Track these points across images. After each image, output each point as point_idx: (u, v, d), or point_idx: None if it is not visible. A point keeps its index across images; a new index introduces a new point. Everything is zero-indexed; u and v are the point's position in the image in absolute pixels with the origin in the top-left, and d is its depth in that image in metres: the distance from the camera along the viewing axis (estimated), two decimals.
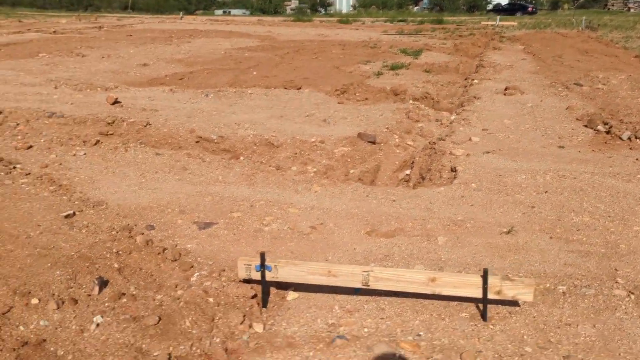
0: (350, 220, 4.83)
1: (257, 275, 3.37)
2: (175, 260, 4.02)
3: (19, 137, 6.92)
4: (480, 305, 3.29)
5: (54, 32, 25.27)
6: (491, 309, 3.38)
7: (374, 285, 3.31)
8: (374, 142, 7.31)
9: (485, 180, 5.75)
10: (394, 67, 14.01)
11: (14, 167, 5.75)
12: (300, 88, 10.98)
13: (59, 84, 10.90)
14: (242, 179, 5.67)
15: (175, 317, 3.07)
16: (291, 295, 3.60)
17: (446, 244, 4.40)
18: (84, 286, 3.49)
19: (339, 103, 9.68)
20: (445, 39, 23.92)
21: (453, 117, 8.83)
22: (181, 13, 44.45)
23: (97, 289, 3.44)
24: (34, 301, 3.28)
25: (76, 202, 4.95)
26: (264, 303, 3.40)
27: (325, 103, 9.55)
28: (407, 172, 7.26)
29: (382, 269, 3.29)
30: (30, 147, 6.49)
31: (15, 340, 2.95)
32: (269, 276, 3.37)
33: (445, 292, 3.26)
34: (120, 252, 4.04)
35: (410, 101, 9.90)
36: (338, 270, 3.29)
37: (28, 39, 21.18)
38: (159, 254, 4.06)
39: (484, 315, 3.27)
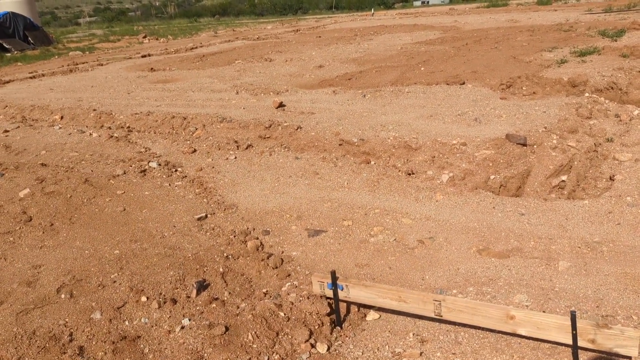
0: (464, 235, 4.50)
1: (330, 293, 3.36)
2: (276, 268, 4.22)
3: (189, 142, 7.87)
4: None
5: (257, 38, 27.91)
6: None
7: (446, 315, 3.06)
8: (524, 144, 6.64)
9: None
10: (582, 54, 12.44)
11: (176, 170, 6.58)
12: (463, 83, 10.44)
13: (240, 90, 12.06)
14: (366, 185, 5.66)
15: (241, 329, 3.25)
16: (371, 315, 3.52)
17: (567, 271, 3.84)
18: (187, 288, 3.87)
19: (501, 99, 8.98)
20: None
21: (636, 112, 7.53)
22: (372, 9, 45.32)
23: (195, 291, 3.80)
24: (143, 299, 3.76)
25: (212, 205, 5.48)
26: (338, 322, 3.39)
27: (485, 99, 8.94)
28: (563, 178, 6.45)
29: (455, 299, 3.02)
30: (194, 151, 7.35)
31: (118, 334, 3.43)
32: (341, 295, 3.35)
33: (526, 332, 2.87)
34: (230, 256, 4.38)
35: (587, 94, 8.70)
36: (408, 296, 3.12)
37: (233, 47, 23.77)
38: (262, 260, 4.30)
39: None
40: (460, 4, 53.62)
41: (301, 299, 3.48)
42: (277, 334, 3.19)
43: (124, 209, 5.44)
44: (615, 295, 3.50)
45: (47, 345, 3.37)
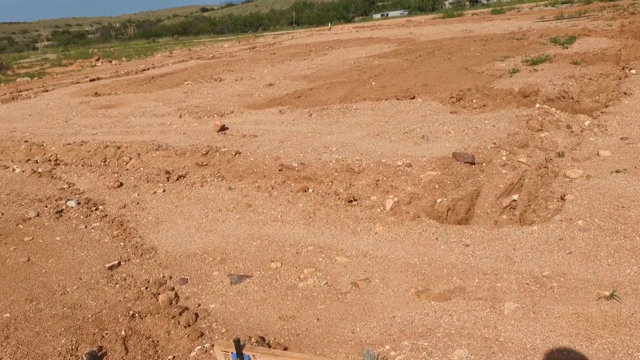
0: (403, 273, 4.02)
1: None
2: (188, 326, 3.65)
3: (117, 174, 7.23)
4: None
5: (212, 57, 27.32)
6: None
7: None
8: (472, 163, 6.25)
9: (599, 215, 4.44)
10: (534, 62, 12.31)
11: (96, 209, 5.94)
12: (414, 97, 10.11)
13: (184, 113, 11.46)
14: (301, 217, 5.14)
15: None
16: None
17: (514, 314, 3.38)
18: (82, 357, 3.26)
19: (451, 113, 8.64)
20: (612, 19, 20.68)
21: (587, 123, 7.26)
22: (329, 24, 45.35)
23: None
24: None
25: (129, 249, 4.88)
26: None
27: (434, 114, 8.58)
28: (514, 197, 6.07)
29: None
30: (121, 185, 6.73)
31: None
32: None
33: None
34: (137, 314, 3.79)
35: (538, 105, 8.44)
36: None
37: (185, 68, 23.12)
38: (173, 317, 3.73)
39: None
40: (418, 16, 54.24)
41: None
42: None
43: (29, 259, 4.79)
44: (566, 344, 3.05)
45: None
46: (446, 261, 4.12)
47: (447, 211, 5.88)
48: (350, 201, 5.66)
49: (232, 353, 2.76)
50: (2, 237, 5.29)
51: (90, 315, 3.78)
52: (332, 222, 4.99)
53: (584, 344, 3.05)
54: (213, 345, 3.07)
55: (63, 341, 3.50)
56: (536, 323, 3.28)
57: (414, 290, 3.80)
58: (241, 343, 2.76)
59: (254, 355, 2.74)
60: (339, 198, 5.62)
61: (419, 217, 4.92)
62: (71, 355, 3.35)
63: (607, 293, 3.47)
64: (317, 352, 3.29)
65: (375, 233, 4.69)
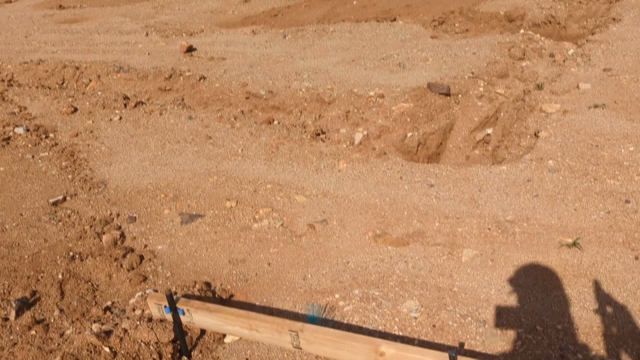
0: (362, 215, 3.81)
1: (170, 318, 2.63)
2: (132, 270, 3.45)
3: (72, 98, 6.78)
4: None
5: None
6: None
7: (306, 348, 2.39)
8: (447, 94, 5.92)
9: (571, 154, 4.23)
10: None
11: (46, 137, 5.59)
12: (394, 19, 9.54)
13: (151, 31, 10.76)
14: (263, 152, 4.85)
15: None
16: (231, 337, 2.82)
17: (472, 262, 3.22)
18: (7, 307, 3.06)
19: (431, 37, 8.17)
20: None
21: (571, 52, 6.89)
22: None
23: (13, 312, 3.00)
24: None
25: (77, 183, 4.60)
26: (185, 351, 2.68)
27: (414, 39, 8.11)
28: (489, 131, 5.82)
29: (315, 330, 2.35)
30: (75, 111, 6.31)
31: None
32: (184, 320, 2.62)
33: None
34: (77, 255, 3.57)
35: (522, 31, 7.99)
36: (260, 325, 2.42)
37: None
38: (116, 259, 3.52)
39: None
40: None
41: (138, 323, 2.73)
42: None
43: None
44: (521, 295, 2.92)
45: None
46: (408, 202, 3.91)
47: (418, 146, 5.63)
48: (318, 134, 5.36)
49: (165, 306, 2.56)
50: None
51: (27, 257, 3.55)
52: (294, 157, 4.72)
53: (540, 296, 2.92)
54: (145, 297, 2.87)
55: None
56: (493, 272, 3.13)
57: (372, 233, 3.61)
58: (174, 297, 2.56)
59: (188, 310, 2.55)
60: (306, 131, 5.31)
61: (385, 154, 4.66)
62: (2, 300, 3.14)
63: (570, 241, 3.31)
64: (264, 299, 3.13)
65: (339, 171, 4.44)
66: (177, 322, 2.61)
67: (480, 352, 2.56)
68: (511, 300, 2.88)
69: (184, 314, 2.61)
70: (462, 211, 3.75)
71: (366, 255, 3.40)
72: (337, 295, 3.05)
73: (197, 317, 2.59)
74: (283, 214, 3.93)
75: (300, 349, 2.42)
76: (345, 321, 2.85)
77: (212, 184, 4.41)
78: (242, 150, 4.95)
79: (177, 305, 2.59)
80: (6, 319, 3.00)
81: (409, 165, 4.43)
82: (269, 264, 3.43)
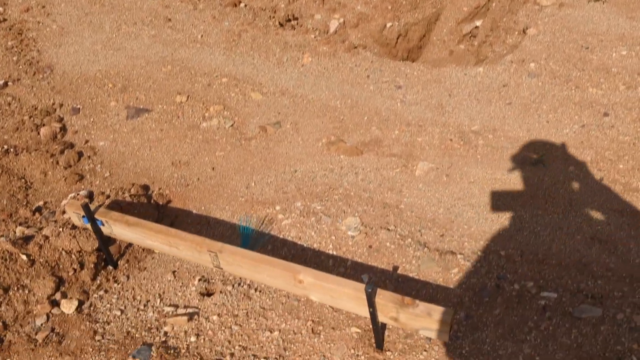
0: (319, 119, 3.55)
1: (91, 228, 2.48)
2: (69, 167, 3.27)
3: None
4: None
5: None
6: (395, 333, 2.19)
7: (226, 269, 2.27)
8: None
9: (556, 57, 3.86)
10: None
11: None
12: None
13: None
14: (224, 39, 4.45)
15: None
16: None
17: (425, 176, 3.03)
18: None
19: None
20: None
21: None
22: None
23: None
24: None
25: (22, 66, 4.25)
26: (110, 261, 2.57)
27: None
28: (477, 23, 5.34)
29: (234, 251, 2.21)
30: None
31: None
32: (105, 231, 2.47)
33: (318, 300, 2.13)
34: (12, 149, 3.36)
35: None
36: (179, 242, 2.27)
37: None
38: (53, 155, 3.32)
39: (377, 341, 2.12)
40: None
41: (61, 230, 2.59)
42: (6, 291, 2.36)
43: None
44: (469, 216, 2.76)
45: None
46: (370, 106, 3.63)
47: (398, 37, 5.19)
48: (289, 20, 4.90)
49: (83, 216, 2.40)
50: None
51: None
52: (257, 47, 4.32)
53: (489, 218, 2.76)
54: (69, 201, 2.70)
55: None
56: (445, 189, 2.95)
57: (326, 140, 3.37)
58: (92, 208, 2.39)
59: (106, 221, 2.38)
60: (275, 16, 4.84)
61: (355, 47, 4.27)
62: None
63: (536, 156, 3.09)
64: (202, 207, 2.97)
65: (302, 65, 4.08)
66: (97, 232, 2.46)
67: (413, 277, 2.45)
68: (458, 222, 2.73)
69: (103, 225, 2.44)
70: (426, 118, 3.48)
71: (316, 164, 3.19)
72: (277, 207, 2.89)
73: (116, 229, 2.44)
74: (235, 112, 3.65)
75: (221, 269, 2.29)
76: (281, 236, 2.72)
77: (165, 75, 4.07)
78: (201, 36, 4.53)
79: (96, 216, 2.42)
80: None
81: (379, 63, 4.07)
82: (213, 168, 3.23)
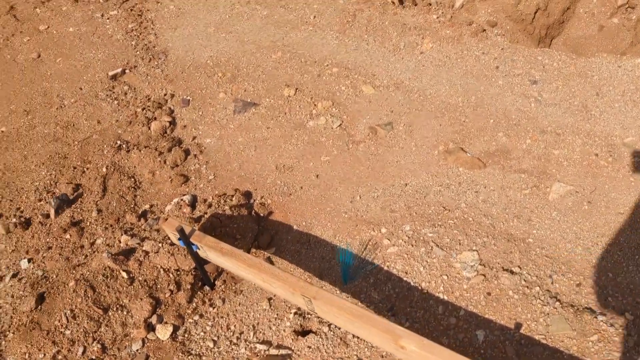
0: (436, 120, 3.17)
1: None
2: (175, 167, 3.24)
3: None
4: None
5: None
6: None
7: (321, 315, 2.07)
8: None
9: None
10: None
11: None
12: None
13: None
14: (337, 20, 4.14)
15: (57, 303, 2.44)
16: None
17: (562, 202, 2.62)
18: (49, 203, 3.02)
19: None
20: None
21: None
22: None
23: (53, 211, 2.96)
24: None
25: (139, 51, 4.30)
26: (207, 282, 2.50)
27: None
28: None
29: (330, 301, 1.99)
30: None
31: None
32: (202, 255, 2.38)
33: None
34: (124, 145, 3.41)
35: None
36: (273, 281, 2.11)
37: None
38: (161, 154, 3.31)
39: None
40: None
41: (160, 246, 2.54)
42: (106, 311, 2.36)
43: (39, 56, 4.40)
44: (616, 261, 2.31)
45: None
46: (498, 105, 3.15)
47: (536, 12, 4.50)
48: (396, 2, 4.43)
49: (179, 238, 2.31)
50: (19, 24, 4.85)
51: (77, 143, 3.43)
52: (372, 30, 3.95)
53: None
54: (167, 221, 2.62)
55: (43, 173, 3.25)
56: (587, 220, 2.48)
57: (443, 147, 2.99)
58: (187, 232, 2.28)
59: (201, 247, 2.27)
60: None
61: (483, 31, 3.73)
62: (47, 193, 3.11)
63: None
64: (303, 222, 2.78)
65: (421, 53, 3.66)
66: (192, 254, 2.37)
67: (540, 341, 2.06)
68: (601, 268, 2.26)
69: (198, 249, 2.34)
70: (565, 124, 2.94)
71: (430, 178, 2.84)
72: (383, 230, 2.61)
73: (211, 255, 2.32)
74: (344, 110, 3.37)
75: (315, 313, 2.08)
76: (385, 267, 2.44)
77: (274, 62, 3.87)
78: (314, 17, 4.24)
79: (191, 240, 2.31)
80: (47, 216, 2.96)
81: (511, 50, 3.52)
82: (317, 175, 3.01)
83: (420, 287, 2.31)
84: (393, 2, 4.22)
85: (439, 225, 2.56)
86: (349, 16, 4.16)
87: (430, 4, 4.20)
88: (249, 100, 3.60)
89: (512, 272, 2.28)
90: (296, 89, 3.59)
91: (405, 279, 2.37)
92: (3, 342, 2.32)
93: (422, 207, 2.68)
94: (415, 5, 4.22)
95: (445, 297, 2.26)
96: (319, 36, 4.04)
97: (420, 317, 2.19)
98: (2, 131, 3.71)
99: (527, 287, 2.22)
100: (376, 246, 2.55)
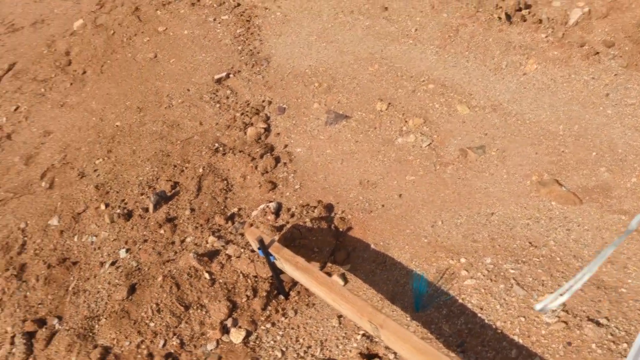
0: (532, 147, 3.04)
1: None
2: (265, 174, 3.38)
3: None
4: None
5: None
6: None
7: (387, 344, 2.08)
8: None
9: None
10: None
11: None
12: None
13: None
14: (438, 35, 4.08)
15: (146, 296, 2.64)
16: (335, 280, 2.63)
17: None
18: (149, 198, 3.29)
19: None
20: None
21: None
22: None
23: (152, 206, 3.21)
24: (102, 207, 3.32)
25: (244, 56, 4.52)
26: (281, 291, 2.60)
27: None
28: None
29: (396, 331, 1.99)
30: None
31: (60, 254, 3.10)
32: (278, 266, 2.49)
33: None
34: (220, 148, 3.61)
35: None
36: (341, 303, 2.16)
37: None
38: (253, 159, 3.46)
39: None
40: None
41: (242, 251, 2.67)
42: (187, 309, 2.52)
43: (155, 56, 4.76)
44: None
45: None
46: (603, 137, 2.95)
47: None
48: (519, 9, 4.26)
49: (259, 248, 2.42)
50: (141, 25, 5.27)
51: (179, 142, 3.68)
52: (474, 47, 3.84)
53: None
54: (251, 227, 2.73)
55: (147, 169, 3.52)
56: None
57: (537, 177, 2.85)
58: (266, 242, 2.38)
59: (278, 258, 2.36)
60: (502, 5, 4.24)
61: (596, 54, 3.49)
62: (148, 188, 3.37)
63: None
64: (381, 242, 2.78)
65: (524, 74, 3.50)
66: (270, 264, 2.46)
67: None
68: None
69: (275, 259, 2.42)
70: None
71: (518, 209, 2.72)
72: (462, 260, 2.54)
73: (287, 267, 2.39)
74: (435, 129, 3.31)
75: (381, 340, 2.09)
76: (460, 299, 2.39)
77: (370, 75, 3.89)
78: (415, 30, 4.20)
79: (270, 250, 2.40)
80: (146, 210, 3.21)
81: (625, 76, 3.27)
82: (400, 195, 2.99)
83: (494, 326, 2.23)
84: (499, 18, 4.07)
85: (523, 261, 2.45)
86: (451, 31, 4.07)
87: (540, 21, 4.00)
88: (341, 113, 3.65)
89: (598, 324, 2.13)
90: (389, 103, 3.58)
91: (479, 315, 2.30)
92: (96, 326, 2.55)
93: (506, 240, 2.58)
94: (524, 21, 4.03)
95: (521, 341, 2.16)
96: (418, 50, 3.99)
97: (490, 359, 2.11)
98: (117, 125, 4.05)
99: (614, 342, 2.07)
100: (453, 276, 2.49)
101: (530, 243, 2.53)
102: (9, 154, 4.11)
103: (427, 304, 2.39)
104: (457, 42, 3.94)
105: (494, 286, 2.37)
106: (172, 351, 2.39)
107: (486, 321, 2.26)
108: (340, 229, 2.89)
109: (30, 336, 2.62)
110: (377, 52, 4.11)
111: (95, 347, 2.47)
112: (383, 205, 2.96)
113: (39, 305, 2.83)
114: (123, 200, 3.34)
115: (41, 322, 2.70)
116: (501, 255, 2.51)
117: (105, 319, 2.57)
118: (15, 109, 4.64)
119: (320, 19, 4.74)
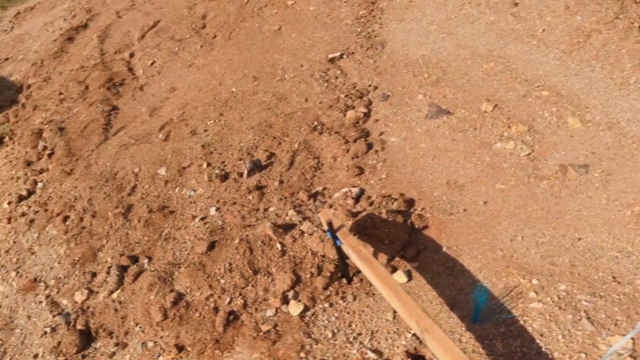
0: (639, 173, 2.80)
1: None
2: (355, 158, 3.47)
3: None
4: None
5: None
6: None
7: (430, 349, 2.11)
8: None
9: None
10: None
11: None
12: None
13: None
14: (567, 39, 3.82)
15: (223, 253, 2.86)
16: (398, 275, 2.68)
17: None
18: (245, 164, 3.52)
19: None
20: None
21: None
22: None
23: (246, 172, 3.44)
24: (204, 165, 3.62)
25: (361, 39, 4.58)
26: (345, 275, 2.70)
27: None
28: None
29: (439, 338, 2.00)
30: None
31: (161, 202, 3.45)
32: (344, 250, 2.59)
33: None
34: (318, 126, 3.75)
35: None
36: (394, 300, 2.21)
37: None
38: (347, 142, 3.56)
39: None
40: None
41: (315, 229, 2.80)
42: (256, 273, 2.71)
43: (279, 28, 4.99)
44: None
45: (112, 193, 3.62)
46: None
47: None
48: None
49: (327, 230, 2.52)
50: None
51: (283, 116, 3.86)
52: (603, 57, 3.55)
53: None
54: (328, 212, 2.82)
55: (250, 136, 3.74)
56: None
57: (639, 208, 2.62)
58: (335, 227, 2.48)
59: (343, 244, 2.45)
60: None
61: None
62: (247, 154, 3.59)
63: None
64: (454, 247, 2.75)
65: None
66: (336, 247, 2.55)
67: None
68: None
69: (341, 244, 2.51)
70: None
71: (610, 239, 2.54)
72: (534, 281, 2.44)
73: (350, 254, 2.47)
74: (539, 139, 3.15)
75: (425, 344, 2.10)
76: (521, 321, 2.31)
77: (483, 73, 3.76)
78: (542, 31, 3.96)
79: (337, 234, 2.49)
80: (240, 175, 3.44)
81: None
82: (486, 202, 2.91)
83: (551, 356, 2.14)
84: None
85: (600, 295, 2.30)
86: (581, 36, 3.77)
87: None
88: (443, 107, 3.58)
89: None
90: (495, 105, 3.45)
91: (538, 341, 2.21)
92: (176, 273, 2.83)
93: (588, 270, 2.42)
94: None
95: None
96: (541, 52, 3.76)
97: None
98: (232, 91, 4.32)
99: None
100: (520, 295, 2.40)
101: (613, 277, 2.36)
102: (138, 103, 4.56)
103: (485, 317, 2.34)
104: (585, 48, 3.65)
105: (561, 315, 2.26)
106: (235, 309, 2.59)
107: (544, 349, 2.16)
108: (416, 226, 2.89)
109: (123, 269, 2.96)
110: (496, 49, 3.94)
111: (172, 291, 2.74)
112: (465, 210, 2.90)
113: (136, 244, 3.18)
114: (223, 162, 3.59)
115: (134, 259, 3.04)
116: (578, 284, 2.36)
117: (185, 268, 2.83)
118: (152, 64, 5.11)
119: (445, 8, 4.62)
